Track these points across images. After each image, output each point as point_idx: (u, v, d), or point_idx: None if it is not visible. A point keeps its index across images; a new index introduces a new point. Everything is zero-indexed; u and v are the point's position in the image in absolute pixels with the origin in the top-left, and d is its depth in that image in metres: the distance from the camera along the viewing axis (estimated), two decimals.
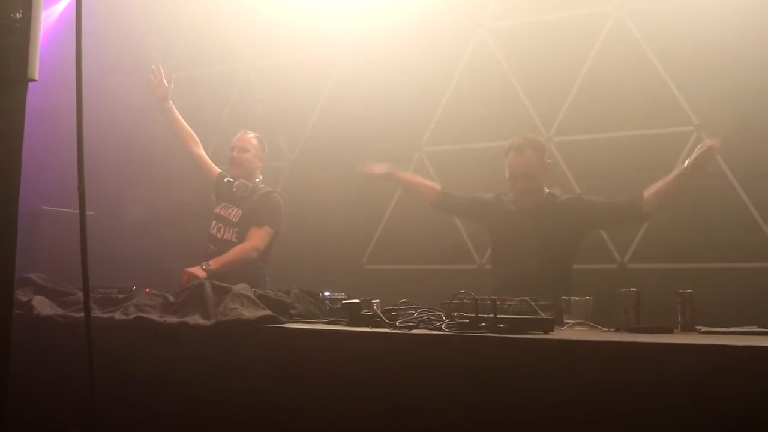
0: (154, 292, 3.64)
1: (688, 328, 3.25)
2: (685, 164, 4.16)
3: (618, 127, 5.15)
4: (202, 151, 5.30)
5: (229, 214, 4.99)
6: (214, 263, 4.59)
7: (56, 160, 3.87)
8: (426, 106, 5.79)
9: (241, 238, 4.89)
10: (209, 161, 5.31)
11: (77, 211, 2.38)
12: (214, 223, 5.03)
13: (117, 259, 5.30)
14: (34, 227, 5.02)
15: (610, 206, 4.41)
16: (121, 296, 3.70)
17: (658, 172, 4.95)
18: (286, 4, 6.18)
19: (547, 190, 4.49)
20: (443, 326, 2.86)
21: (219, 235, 4.96)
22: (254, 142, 5.09)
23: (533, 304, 3.04)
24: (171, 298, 3.51)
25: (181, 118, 5.24)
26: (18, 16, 2.20)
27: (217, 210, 5.08)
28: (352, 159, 5.75)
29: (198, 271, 4.46)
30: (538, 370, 2.54)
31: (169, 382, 3.17)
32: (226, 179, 5.08)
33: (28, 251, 4.07)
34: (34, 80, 2.23)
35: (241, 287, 3.37)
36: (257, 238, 4.85)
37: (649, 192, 4.25)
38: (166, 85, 5.15)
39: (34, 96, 2.59)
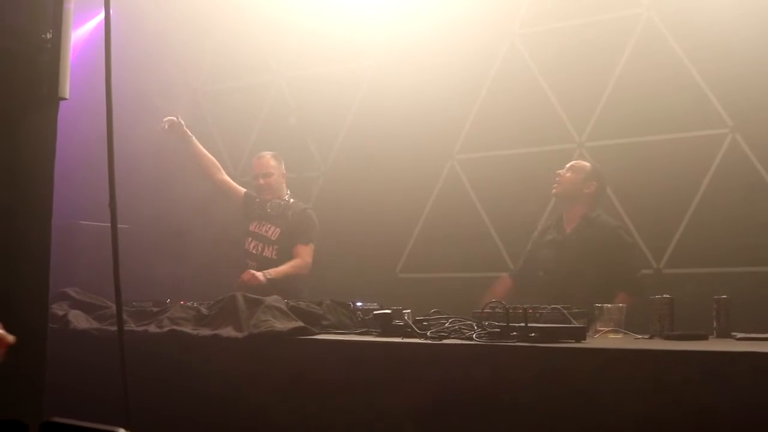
0: (188, 304, 3.67)
1: (723, 335, 3.20)
2: None
3: (651, 131, 5.09)
4: (225, 176, 5.41)
5: (267, 232, 5.11)
6: (274, 272, 4.76)
7: (93, 175, 3.92)
8: (457, 114, 5.78)
9: (281, 254, 5.01)
10: (233, 183, 5.42)
11: None
12: (250, 239, 5.15)
13: (152, 273, 5.34)
14: (71, 242, 5.07)
15: (620, 267, 4.41)
16: (155, 309, 3.73)
17: (692, 176, 4.93)
18: (317, 16, 6.20)
19: (590, 215, 4.56)
20: (474, 336, 2.85)
21: (257, 252, 5.09)
22: (273, 162, 5.20)
23: (565, 312, 3.02)
24: (204, 311, 3.54)
25: (201, 147, 5.33)
26: (48, 36, 2.25)
27: (252, 228, 5.18)
28: (384, 167, 5.78)
29: (260, 275, 4.64)
30: (570, 379, 2.52)
31: (203, 393, 3.19)
32: (257, 199, 5.21)
33: (64, 265, 4.14)
34: (65, 99, 2.27)
35: (273, 299, 3.38)
36: (307, 255, 5.03)
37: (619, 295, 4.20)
38: (177, 121, 5.18)
39: (72, 113, 2.63)
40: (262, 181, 5.15)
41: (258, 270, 4.84)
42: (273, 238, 5.08)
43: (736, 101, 4.87)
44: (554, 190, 4.65)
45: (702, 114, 4.97)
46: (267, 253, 5.07)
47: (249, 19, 6.47)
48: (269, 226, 5.11)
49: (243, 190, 5.35)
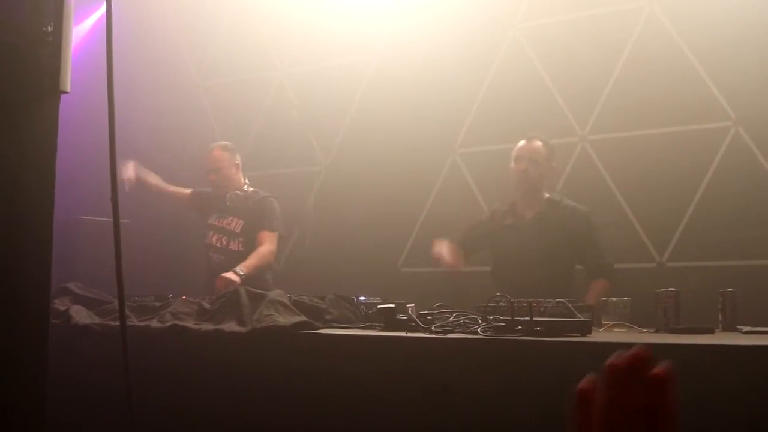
0: (190, 299, 3.66)
1: (729, 328, 3.19)
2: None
3: (654, 124, 5.08)
4: (174, 188, 5.39)
5: (229, 225, 5.08)
6: (245, 268, 4.65)
7: (93, 169, 3.91)
8: (459, 108, 5.76)
9: (247, 246, 4.98)
10: (177, 190, 5.39)
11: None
12: (212, 233, 5.11)
13: (154, 267, 5.33)
14: (72, 236, 5.08)
15: (588, 252, 4.39)
16: (157, 304, 3.72)
17: (695, 169, 4.91)
18: (318, 10, 6.19)
19: (547, 195, 4.50)
20: (479, 330, 2.84)
21: (222, 246, 5.06)
22: (222, 155, 5.13)
23: (570, 306, 3.00)
24: (207, 306, 3.52)
25: (164, 185, 5.31)
26: (49, 29, 2.23)
27: (211, 221, 5.14)
28: (386, 162, 5.76)
29: (232, 276, 4.51)
30: (576, 373, 2.50)
31: (205, 388, 3.18)
32: (211, 195, 5.19)
33: (66, 260, 4.13)
34: (66, 92, 2.25)
35: (276, 293, 3.37)
36: (270, 242, 4.97)
37: (593, 287, 4.23)
38: (137, 177, 5.10)
39: (74, 106, 2.62)
40: (212, 177, 5.11)
41: (226, 263, 4.82)
42: (237, 231, 5.04)
43: (739, 94, 4.85)
44: (523, 188, 4.47)
45: (705, 107, 4.95)
46: (233, 246, 5.03)
47: (250, 14, 6.46)
48: (231, 218, 5.08)
49: (187, 190, 5.33)
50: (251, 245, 4.97)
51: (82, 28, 5.75)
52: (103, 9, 5.94)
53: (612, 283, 4.22)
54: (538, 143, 4.48)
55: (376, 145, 5.87)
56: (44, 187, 2.26)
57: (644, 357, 0.83)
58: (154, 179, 5.24)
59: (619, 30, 5.25)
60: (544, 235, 4.34)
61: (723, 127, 4.91)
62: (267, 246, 4.92)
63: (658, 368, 0.83)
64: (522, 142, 4.52)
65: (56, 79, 2.24)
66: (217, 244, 5.07)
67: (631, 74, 5.18)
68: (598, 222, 4.52)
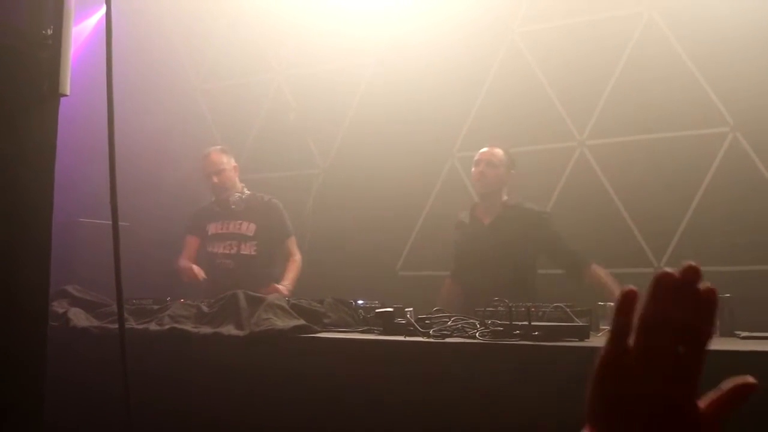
0: (188, 302, 3.65)
1: (726, 334, 3.19)
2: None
3: (652, 130, 5.09)
4: (191, 261, 5.13)
5: (239, 228, 5.03)
6: (290, 284, 4.80)
7: (92, 172, 3.91)
8: (458, 112, 5.77)
9: (260, 250, 4.98)
10: (191, 253, 5.18)
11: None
12: (216, 242, 5.05)
13: (152, 270, 5.33)
14: (71, 239, 5.07)
15: (561, 251, 4.52)
16: (156, 307, 3.71)
17: (693, 174, 4.92)
18: (317, 13, 6.20)
19: (505, 197, 4.60)
20: (477, 334, 2.84)
21: (233, 252, 5.01)
22: (223, 158, 5.10)
23: (568, 310, 3.01)
24: (205, 309, 3.52)
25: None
26: (49, 32, 2.23)
27: (214, 230, 5.08)
28: (384, 166, 5.77)
29: (284, 289, 4.63)
30: (574, 378, 2.51)
31: (204, 391, 3.18)
32: (211, 201, 5.16)
33: (64, 263, 4.13)
34: (66, 95, 2.25)
35: (274, 297, 3.38)
36: (296, 249, 5.05)
37: (596, 273, 4.39)
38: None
39: (73, 109, 2.62)
40: (215, 180, 5.06)
41: (237, 269, 4.86)
42: (250, 234, 5.01)
43: (736, 100, 4.87)
44: (481, 191, 4.65)
45: (703, 112, 4.97)
46: (245, 250, 5.00)
47: (249, 17, 6.46)
48: (240, 222, 5.04)
49: (192, 239, 5.17)
50: (264, 250, 4.98)
51: (80, 31, 5.75)
52: (100, 12, 5.96)
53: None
54: (498, 149, 4.64)
55: (375, 148, 5.88)
56: (43, 190, 2.26)
57: (695, 273, 0.84)
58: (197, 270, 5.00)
59: (617, 35, 5.26)
60: (502, 239, 4.45)
61: (721, 133, 4.92)
62: (298, 255, 5.02)
63: (707, 285, 0.84)
64: (483, 148, 4.67)
65: (56, 83, 2.24)
66: (226, 251, 5.01)
67: (630, 79, 5.19)
68: (557, 223, 4.62)
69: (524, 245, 4.43)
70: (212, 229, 5.09)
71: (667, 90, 5.06)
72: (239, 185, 5.16)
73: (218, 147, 5.20)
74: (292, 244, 5.06)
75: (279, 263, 5.08)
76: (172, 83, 6.75)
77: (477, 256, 4.50)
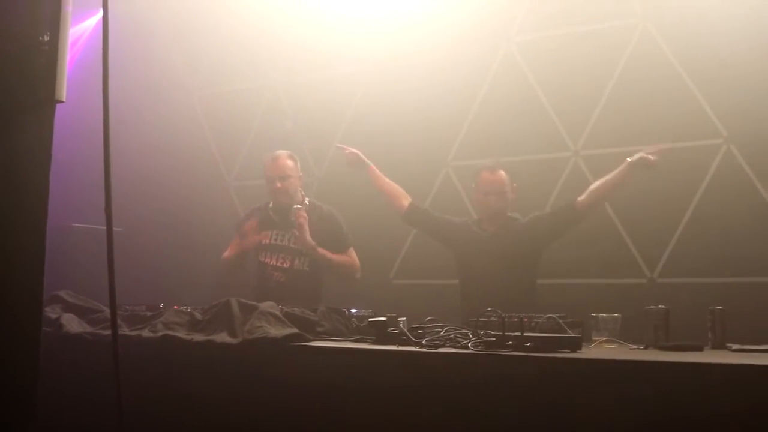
0: (181, 309, 3.65)
1: (718, 346, 3.20)
2: (628, 160, 4.37)
3: (646, 140, 5.07)
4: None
5: (295, 243, 4.80)
6: (329, 254, 4.73)
7: (86, 177, 3.91)
8: (452, 121, 5.78)
9: (314, 265, 4.80)
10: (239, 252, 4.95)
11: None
12: (268, 253, 4.85)
13: (145, 276, 5.32)
14: (64, 244, 5.07)
15: (550, 214, 4.64)
16: (149, 314, 3.71)
17: (686, 186, 4.94)
18: (313, 22, 6.21)
19: (509, 215, 4.65)
20: (470, 344, 2.84)
21: (285, 265, 4.81)
22: (290, 163, 4.88)
23: (561, 322, 3.01)
24: (198, 316, 3.52)
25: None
26: (45, 39, 2.23)
27: (269, 240, 4.85)
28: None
29: (322, 249, 4.68)
30: (566, 389, 2.51)
31: (196, 399, 3.18)
32: (268, 206, 4.94)
33: (57, 268, 4.11)
34: (62, 102, 2.25)
35: (267, 305, 3.37)
36: (355, 258, 4.93)
37: (584, 194, 4.48)
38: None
39: (67, 113, 2.62)
40: (279, 185, 4.80)
41: (289, 283, 4.71)
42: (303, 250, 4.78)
43: (730, 111, 4.89)
44: (487, 214, 4.65)
45: (696, 124, 4.99)
46: (297, 265, 4.81)
47: (245, 24, 6.47)
48: (294, 235, 4.79)
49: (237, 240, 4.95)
50: (318, 264, 4.78)
51: (75, 36, 5.75)
52: (95, 17, 5.96)
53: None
54: (501, 173, 4.65)
55: (369, 156, 5.84)
56: (38, 196, 2.26)
57: None
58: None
59: (612, 46, 5.28)
60: (505, 248, 4.48)
61: (714, 144, 4.94)
62: (357, 261, 4.89)
63: None
64: (485, 173, 4.67)
65: (52, 89, 2.24)
66: (279, 264, 4.81)
67: (624, 90, 5.21)
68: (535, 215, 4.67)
69: (525, 253, 4.50)
70: (266, 238, 4.87)
71: (661, 101, 5.08)
72: (301, 194, 4.93)
73: (286, 152, 4.92)
74: (351, 253, 4.90)
75: (327, 283, 4.92)
76: (168, 90, 6.75)
77: (480, 261, 4.53)
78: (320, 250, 4.70)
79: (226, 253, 4.96)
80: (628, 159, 4.36)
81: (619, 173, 4.40)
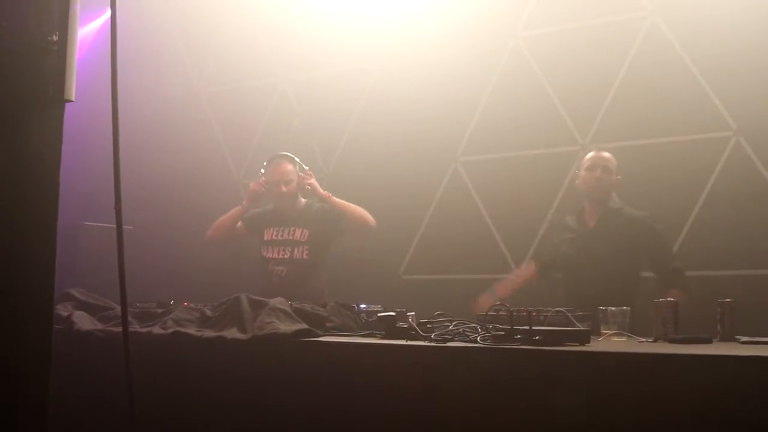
0: (191, 305, 3.67)
1: (727, 339, 3.19)
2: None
3: (655, 134, 5.10)
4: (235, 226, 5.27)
5: (292, 235, 5.06)
6: (337, 200, 5.02)
7: (97, 175, 3.93)
8: (461, 116, 5.78)
9: (313, 254, 5.02)
10: (236, 226, 5.27)
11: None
12: (270, 248, 5.10)
13: (156, 273, 5.34)
14: (75, 242, 5.09)
15: (661, 264, 4.43)
16: (159, 310, 3.73)
17: (696, 178, 4.93)
18: (321, 18, 6.22)
19: (611, 206, 4.57)
20: (478, 339, 2.85)
21: (285, 257, 5.04)
22: (291, 167, 5.08)
23: (569, 315, 3.02)
24: (208, 312, 3.54)
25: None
26: (55, 38, 2.25)
27: (268, 236, 5.12)
28: (387, 170, 5.78)
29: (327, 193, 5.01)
30: (575, 383, 2.52)
31: (207, 395, 3.19)
32: (269, 206, 5.18)
33: (68, 266, 4.13)
34: (71, 101, 2.27)
35: (277, 301, 3.38)
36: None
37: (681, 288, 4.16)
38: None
39: (76, 113, 2.64)
40: (284, 189, 5.05)
41: (290, 273, 4.92)
42: (303, 240, 5.03)
43: (739, 104, 4.87)
44: (597, 195, 4.53)
45: (706, 117, 4.97)
46: (297, 254, 5.03)
47: (252, 22, 6.48)
48: (293, 229, 5.06)
49: (239, 223, 5.24)
50: (316, 251, 5.03)
51: (83, 35, 5.77)
52: (104, 17, 5.99)
53: (686, 291, 4.13)
54: (608, 154, 4.57)
55: (378, 153, 5.89)
56: (48, 195, 2.27)
57: None
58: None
59: (620, 39, 5.27)
60: (607, 243, 4.39)
61: (724, 137, 4.92)
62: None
63: None
64: (592, 153, 4.61)
65: (61, 88, 2.25)
66: (279, 256, 5.05)
67: (633, 84, 5.20)
68: (660, 226, 4.53)
69: (626, 250, 4.37)
70: (267, 235, 5.13)
71: (669, 94, 5.06)
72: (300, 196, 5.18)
73: (287, 155, 5.13)
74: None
75: (326, 277, 5.12)
76: (176, 87, 6.77)
77: (582, 260, 4.45)
78: (334, 198, 4.99)
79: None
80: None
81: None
